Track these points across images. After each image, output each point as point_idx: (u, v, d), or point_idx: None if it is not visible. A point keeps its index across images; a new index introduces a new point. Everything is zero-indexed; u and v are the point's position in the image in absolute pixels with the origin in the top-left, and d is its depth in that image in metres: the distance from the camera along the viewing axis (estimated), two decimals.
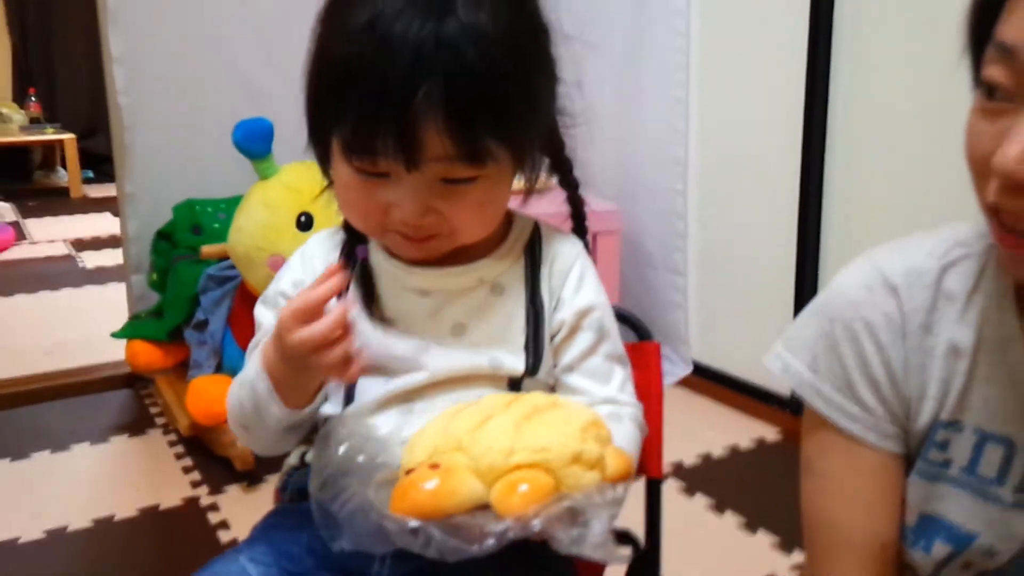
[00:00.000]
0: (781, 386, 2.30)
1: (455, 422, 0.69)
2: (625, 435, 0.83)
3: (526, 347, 0.84)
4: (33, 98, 6.37)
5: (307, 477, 0.76)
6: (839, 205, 2.12)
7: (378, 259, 0.87)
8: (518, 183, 0.85)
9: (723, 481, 2.04)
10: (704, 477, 2.04)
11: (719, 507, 1.91)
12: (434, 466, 0.65)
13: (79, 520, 1.88)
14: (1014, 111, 0.58)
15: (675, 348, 2.56)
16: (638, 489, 0.93)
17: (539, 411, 0.69)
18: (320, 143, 0.81)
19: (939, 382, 0.72)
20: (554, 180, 0.92)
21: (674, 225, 2.52)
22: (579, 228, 0.96)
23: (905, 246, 0.76)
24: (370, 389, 0.83)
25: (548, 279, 0.87)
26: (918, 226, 0.77)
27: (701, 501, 1.93)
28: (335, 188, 0.83)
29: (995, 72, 0.59)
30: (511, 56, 0.74)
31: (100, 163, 6.56)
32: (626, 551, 0.66)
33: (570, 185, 0.94)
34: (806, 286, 2.19)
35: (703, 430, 2.30)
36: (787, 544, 1.75)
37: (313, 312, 0.73)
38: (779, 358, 0.79)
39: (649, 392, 0.94)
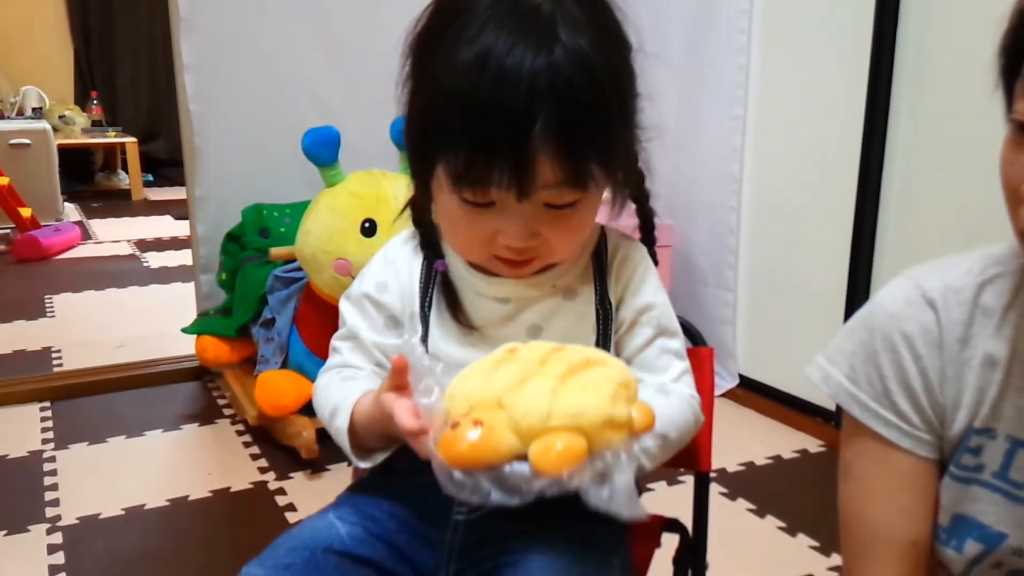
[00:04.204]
0: (826, 400, 2.29)
1: (495, 379, 0.72)
2: (669, 408, 0.85)
3: (596, 344, 0.89)
4: (95, 101, 6.41)
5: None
6: (894, 227, 2.09)
7: (459, 271, 0.91)
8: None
9: (764, 487, 2.05)
10: (746, 483, 2.06)
11: (760, 511, 1.93)
12: (477, 422, 0.69)
13: (155, 499, 1.97)
14: None
15: (722, 362, 2.59)
16: (687, 483, 0.99)
17: (573, 372, 0.72)
18: (423, 173, 0.82)
19: (974, 391, 0.75)
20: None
21: (726, 242, 2.54)
22: (648, 237, 0.98)
23: (943, 265, 0.79)
24: None
25: (615, 282, 0.92)
26: (974, 247, 0.79)
27: (742, 504, 1.96)
28: (439, 216, 0.86)
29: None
30: (610, 79, 0.76)
31: (159, 167, 6.71)
32: (644, 509, 0.70)
33: (642, 197, 0.95)
34: (857, 306, 2.05)
35: (746, 440, 2.31)
36: (826, 548, 1.77)
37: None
38: (819, 368, 0.83)
39: (701, 393, 0.97)
